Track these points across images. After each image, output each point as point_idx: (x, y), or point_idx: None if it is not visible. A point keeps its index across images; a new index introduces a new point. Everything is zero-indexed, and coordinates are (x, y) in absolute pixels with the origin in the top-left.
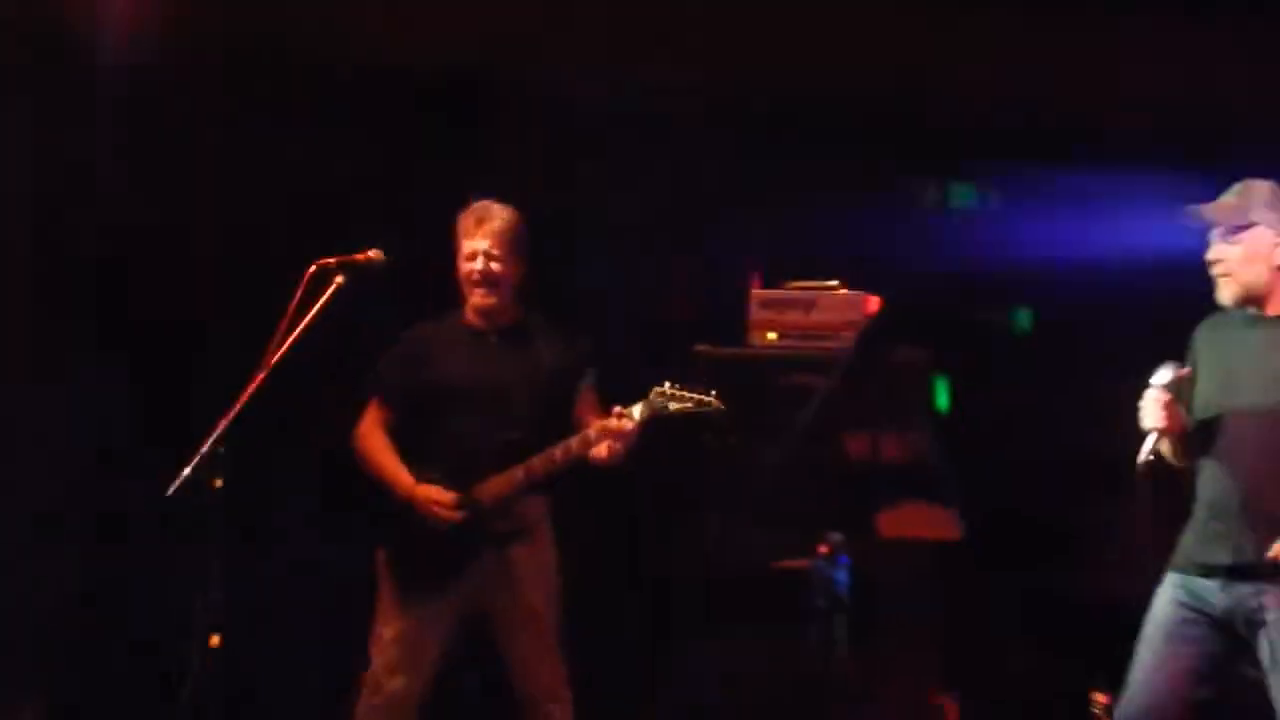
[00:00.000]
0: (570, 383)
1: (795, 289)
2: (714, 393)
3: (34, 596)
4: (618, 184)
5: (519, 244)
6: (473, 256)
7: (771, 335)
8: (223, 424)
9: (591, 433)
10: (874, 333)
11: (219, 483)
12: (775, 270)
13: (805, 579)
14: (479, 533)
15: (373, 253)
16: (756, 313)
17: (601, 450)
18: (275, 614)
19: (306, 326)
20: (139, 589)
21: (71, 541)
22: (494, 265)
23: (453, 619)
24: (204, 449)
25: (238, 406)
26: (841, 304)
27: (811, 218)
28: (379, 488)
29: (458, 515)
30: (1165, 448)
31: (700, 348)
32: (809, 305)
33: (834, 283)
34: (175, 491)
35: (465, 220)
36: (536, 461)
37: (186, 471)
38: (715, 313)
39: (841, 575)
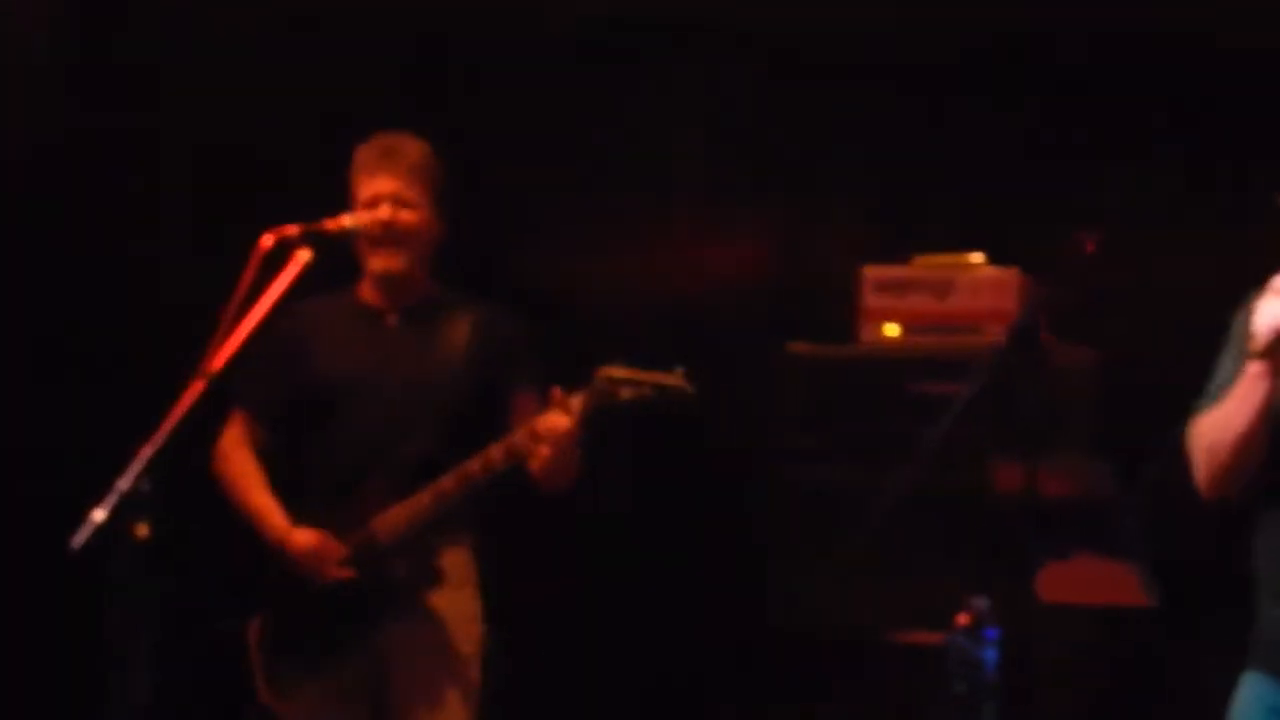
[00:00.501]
0: (497, 381)
1: (923, 265)
2: (680, 370)
3: None
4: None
5: (436, 189)
6: (373, 201)
7: (891, 328)
8: (149, 450)
9: (518, 437)
10: (1033, 324)
11: (143, 530)
12: (894, 240)
13: (939, 657)
14: (376, 581)
15: (348, 219)
16: (870, 298)
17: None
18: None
19: (261, 318)
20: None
21: None
22: (404, 214)
23: (352, 705)
24: (124, 484)
25: (169, 426)
26: (986, 285)
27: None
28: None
29: (344, 574)
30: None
31: (795, 346)
32: (942, 288)
33: (976, 256)
34: (83, 544)
35: (365, 155)
36: (448, 482)
37: (99, 515)
38: (811, 299)
39: (989, 653)
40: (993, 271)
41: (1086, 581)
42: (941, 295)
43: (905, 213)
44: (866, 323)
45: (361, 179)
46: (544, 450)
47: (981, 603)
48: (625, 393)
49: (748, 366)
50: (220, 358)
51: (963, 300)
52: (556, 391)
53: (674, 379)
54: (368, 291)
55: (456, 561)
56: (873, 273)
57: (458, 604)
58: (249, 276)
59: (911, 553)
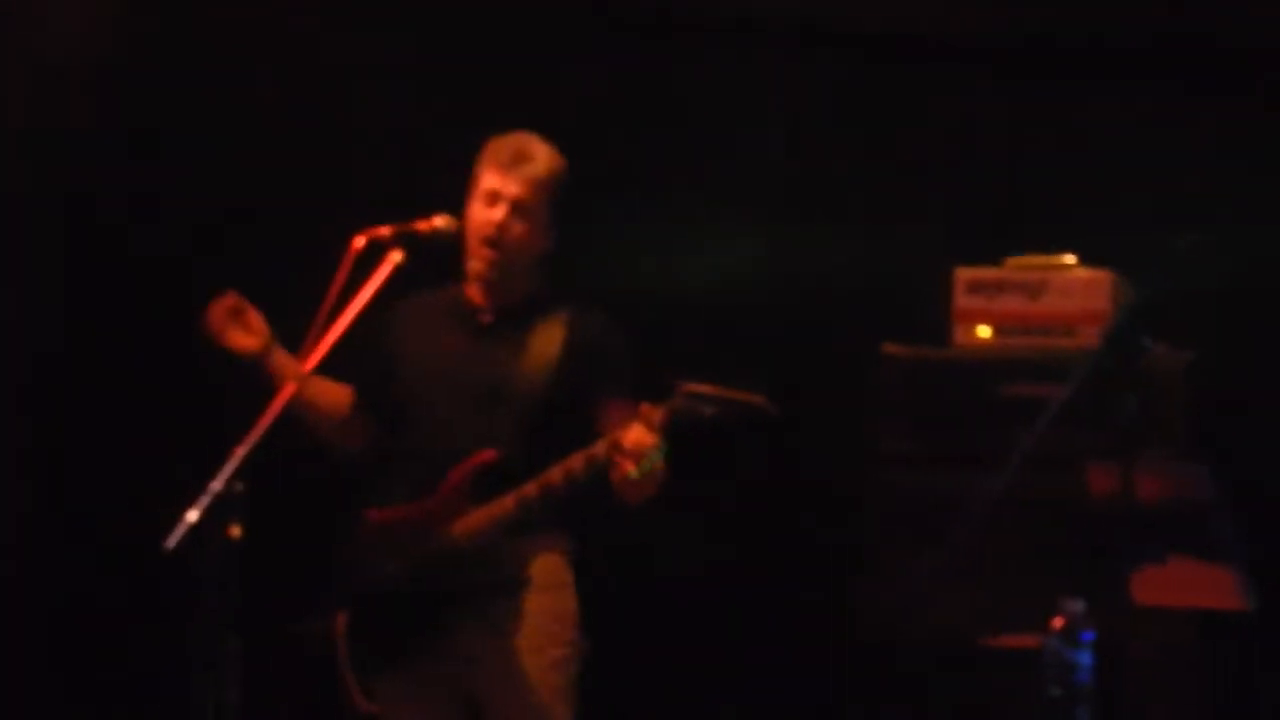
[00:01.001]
0: (586, 387)
1: (1016, 267)
2: (763, 395)
3: None
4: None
5: (556, 205)
6: (493, 200)
7: (984, 330)
8: (242, 451)
9: (600, 448)
10: (1129, 325)
11: (236, 532)
12: (985, 240)
13: (1033, 661)
14: (458, 583)
15: (440, 220)
16: (963, 299)
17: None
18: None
19: (353, 319)
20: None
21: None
22: (516, 224)
23: (441, 705)
24: (217, 485)
25: (262, 427)
26: (1079, 286)
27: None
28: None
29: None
30: None
31: (890, 348)
32: (1036, 289)
33: (1069, 258)
34: (177, 544)
35: (497, 149)
36: (530, 488)
37: (193, 517)
38: (904, 300)
39: (1084, 657)
40: (1085, 273)
41: (1182, 584)
42: (1034, 297)
43: (998, 213)
44: (959, 324)
45: (488, 172)
46: (626, 464)
47: (1076, 606)
48: (706, 409)
49: (841, 368)
50: (314, 358)
51: (1055, 302)
52: (644, 406)
53: (756, 398)
54: (470, 288)
55: (548, 564)
56: (965, 274)
57: (549, 606)
58: (342, 277)
59: (1006, 557)
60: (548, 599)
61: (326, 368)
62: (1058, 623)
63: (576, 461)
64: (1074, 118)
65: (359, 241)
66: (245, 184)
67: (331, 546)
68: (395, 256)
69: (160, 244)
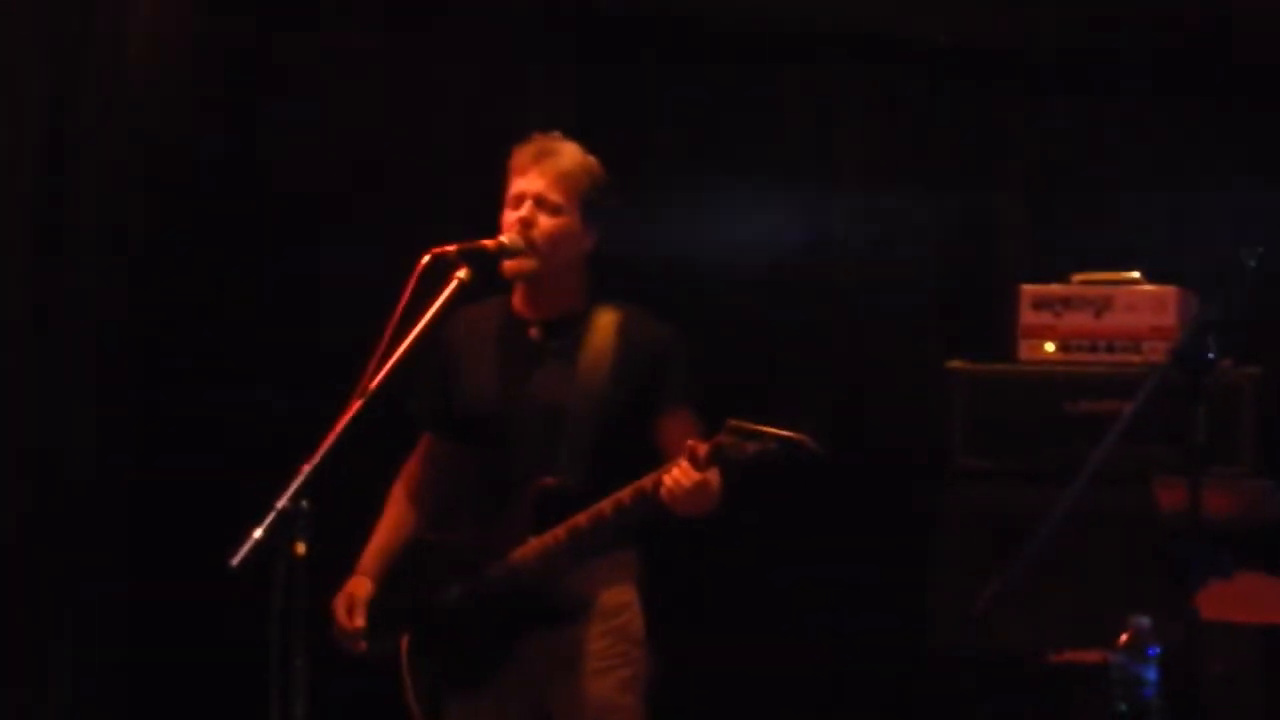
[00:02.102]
0: (644, 400)
1: (1081, 283)
2: (807, 435)
3: None
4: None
5: (586, 196)
6: (517, 202)
7: (1049, 346)
8: (308, 468)
9: (648, 483)
10: (1197, 341)
11: (302, 549)
12: (1050, 258)
13: (1100, 676)
14: (522, 612)
15: (507, 238)
16: (1028, 315)
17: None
18: None
19: (418, 337)
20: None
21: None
22: (543, 218)
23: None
24: (282, 503)
25: (327, 445)
26: (1145, 302)
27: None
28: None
29: (356, 642)
30: None
31: (955, 364)
32: (1101, 305)
33: (1135, 274)
34: (241, 562)
35: (519, 154)
36: (583, 519)
37: (258, 534)
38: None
39: (1150, 672)
40: (1151, 288)
41: (1250, 600)
42: (1099, 313)
43: (1067, 227)
44: (1025, 340)
45: (513, 178)
46: (674, 500)
47: (1144, 621)
48: (750, 447)
49: (911, 381)
50: (379, 376)
51: (1121, 318)
52: (690, 443)
53: (801, 437)
54: (516, 300)
55: (613, 587)
56: (1031, 290)
57: (615, 628)
58: (408, 295)
59: (1074, 572)
60: (613, 623)
61: (389, 386)
62: (1125, 638)
63: (625, 495)
64: (1140, 132)
65: (425, 259)
66: (313, 197)
67: (391, 568)
68: (460, 274)
69: (232, 249)
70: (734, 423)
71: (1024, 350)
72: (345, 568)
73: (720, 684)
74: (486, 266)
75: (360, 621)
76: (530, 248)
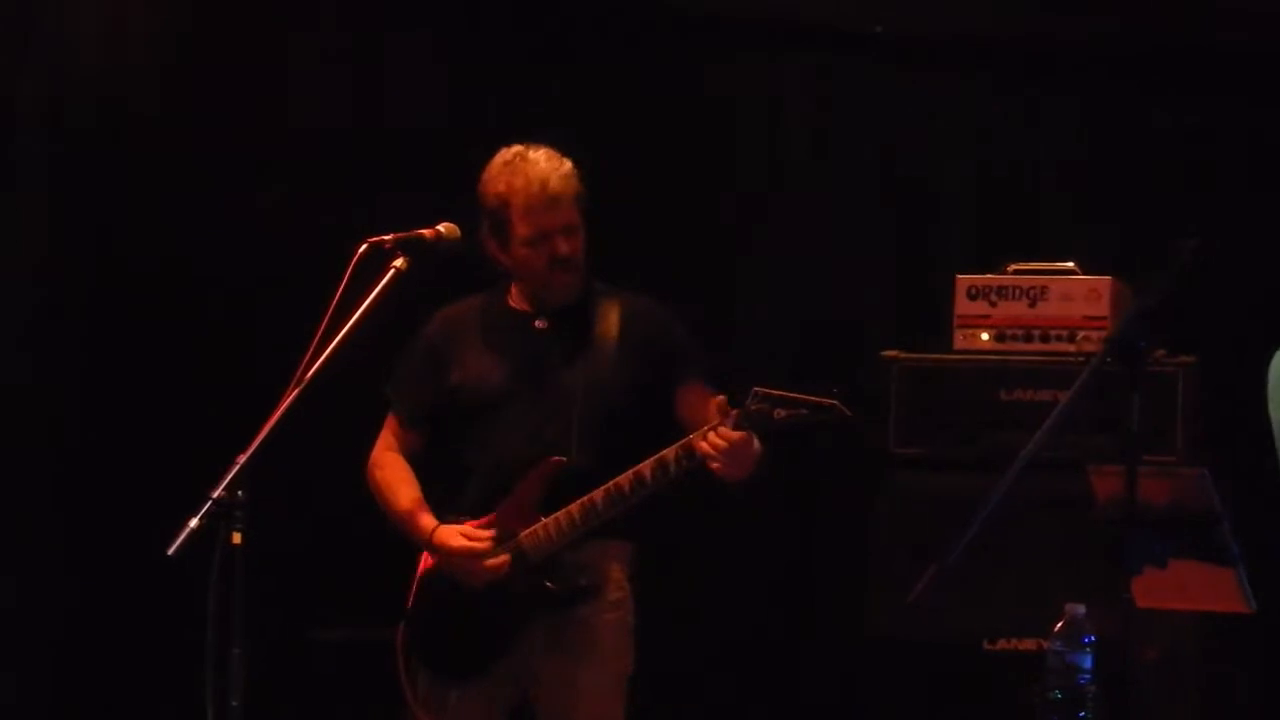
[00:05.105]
0: (657, 378)
1: (1016, 272)
2: (835, 390)
3: None
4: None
5: (584, 203)
6: (544, 240)
7: (985, 336)
8: (243, 458)
9: (670, 456)
10: (1132, 330)
11: (238, 538)
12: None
13: (1034, 665)
14: (525, 594)
15: (444, 227)
16: (964, 305)
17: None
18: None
19: (355, 326)
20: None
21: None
22: (578, 241)
23: (499, 710)
24: (217, 492)
25: (263, 434)
26: (1081, 292)
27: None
28: (399, 539)
29: (495, 566)
30: None
31: (891, 353)
32: (1036, 295)
33: (1069, 264)
34: (178, 550)
35: (525, 193)
36: (598, 496)
37: (194, 523)
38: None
39: (1086, 660)
40: (1085, 278)
41: (1183, 588)
42: (1034, 302)
43: (1005, 221)
44: (960, 329)
45: (527, 217)
46: (713, 465)
47: (1078, 609)
48: (780, 413)
49: (847, 372)
50: (314, 366)
51: (1055, 307)
52: (721, 400)
53: (833, 401)
54: (515, 297)
55: (615, 576)
56: (966, 280)
57: (615, 620)
58: (342, 284)
59: (1009, 561)
60: (613, 614)
61: (329, 374)
62: (1060, 625)
63: (645, 468)
64: (1071, 123)
65: (362, 248)
66: (248, 190)
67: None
68: (398, 263)
69: (162, 250)
70: (761, 389)
71: (959, 340)
72: (282, 557)
73: (659, 666)
74: (424, 255)
75: (484, 544)
76: (575, 271)
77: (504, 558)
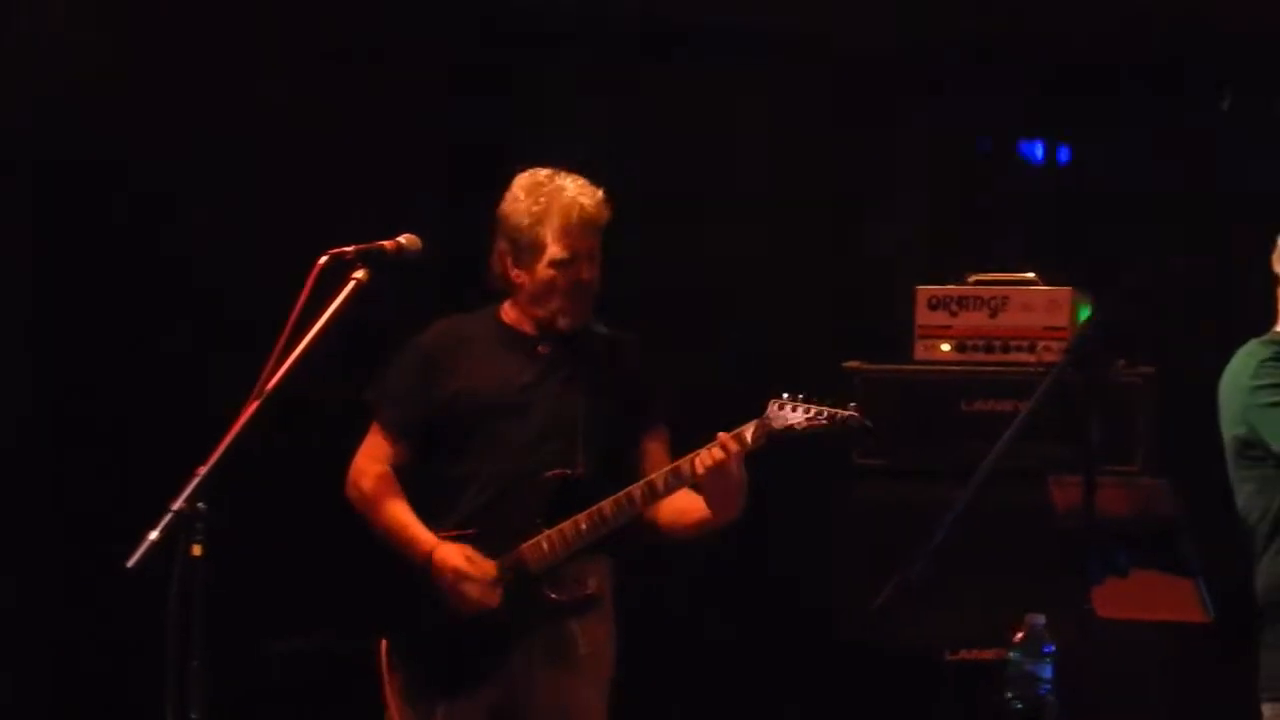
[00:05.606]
0: (629, 419)
1: (977, 283)
2: (853, 405)
3: None
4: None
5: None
6: (569, 261)
7: (945, 346)
8: (204, 470)
9: (683, 464)
10: (1091, 341)
11: (198, 550)
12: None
13: (995, 674)
14: (525, 607)
15: (405, 238)
16: (924, 315)
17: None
18: None
19: (315, 338)
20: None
21: None
22: (595, 270)
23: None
24: (177, 504)
25: (223, 446)
26: (1041, 303)
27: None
28: (386, 551)
29: (493, 597)
30: None
31: (852, 364)
32: (997, 305)
33: (1029, 275)
34: (137, 563)
35: (563, 214)
36: (607, 506)
37: (153, 535)
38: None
39: (1046, 670)
40: (1045, 289)
41: (1144, 598)
42: (994, 313)
43: (967, 232)
44: (921, 340)
45: (560, 239)
46: (709, 481)
47: (1039, 619)
48: (798, 421)
49: (811, 382)
50: (274, 379)
51: (1016, 318)
52: (722, 436)
53: (851, 410)
54: (516, 318)
55: (600, 585)
56: (926, 290)
57: (603, 631)
58: (303, 296)
59: (969, 571)
60: (604, 626)
61: (291, 386)
62: (1020, 635)
63: (658, 478)
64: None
65: (322, 260)
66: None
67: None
68: (358, 275)
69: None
70: (778, 400)
71: (920, 350)
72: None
73: (630, 671)
74: (385, 267)
75: (489, 568)
76: (587, 299)
77: (500, 590)
